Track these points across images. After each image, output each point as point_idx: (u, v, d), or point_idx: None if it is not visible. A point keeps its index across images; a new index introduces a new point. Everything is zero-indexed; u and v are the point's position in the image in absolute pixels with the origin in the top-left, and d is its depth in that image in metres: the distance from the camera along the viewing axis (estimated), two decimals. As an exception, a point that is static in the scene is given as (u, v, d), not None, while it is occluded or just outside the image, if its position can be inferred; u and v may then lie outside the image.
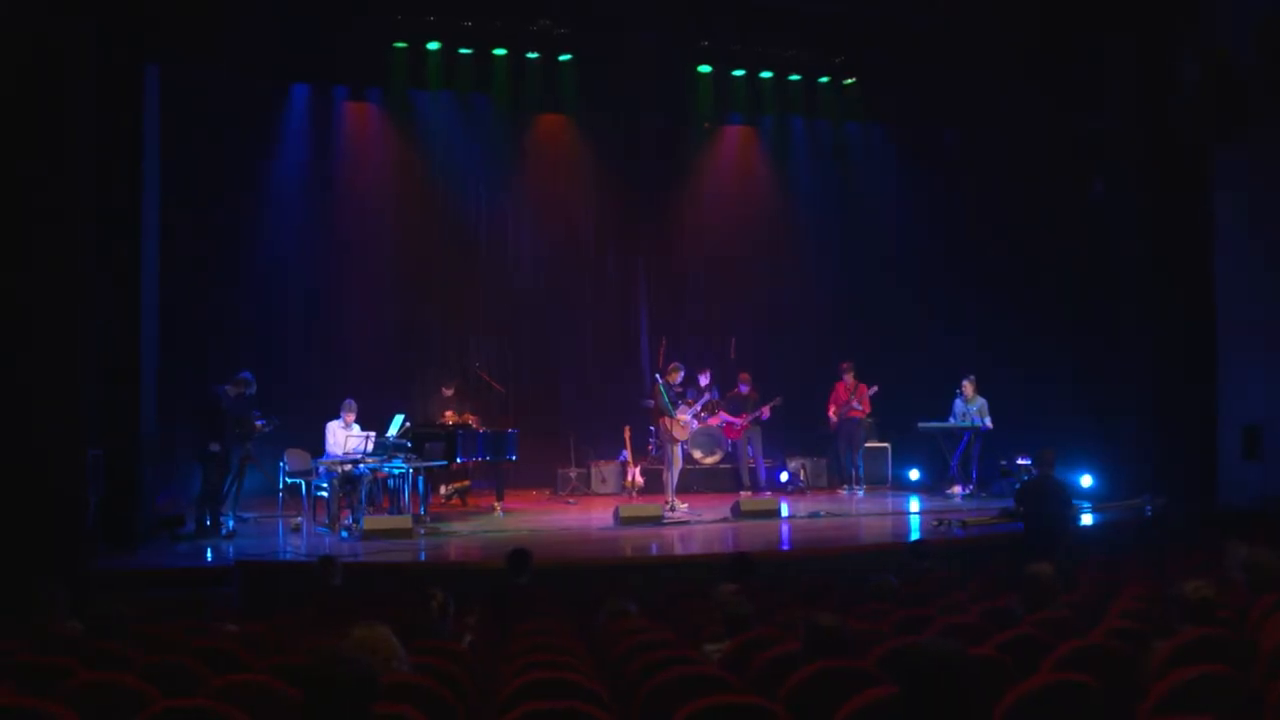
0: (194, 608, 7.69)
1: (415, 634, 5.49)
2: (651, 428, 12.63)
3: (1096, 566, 8.39)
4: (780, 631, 5.22)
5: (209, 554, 9.48)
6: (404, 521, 10.16)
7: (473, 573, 8.53)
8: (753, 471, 13.56)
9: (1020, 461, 12.45)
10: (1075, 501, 9.43)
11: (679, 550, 9.97)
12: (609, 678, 4.60)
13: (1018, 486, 10.20)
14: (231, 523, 10.16)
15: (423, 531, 10.36)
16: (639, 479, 13.12)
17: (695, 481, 13.49)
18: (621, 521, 10.81)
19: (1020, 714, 3.44)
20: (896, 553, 8.95)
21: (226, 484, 10.17)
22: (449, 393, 12.71)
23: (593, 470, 13.53)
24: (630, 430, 13.15)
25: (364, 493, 10.41)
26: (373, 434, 10.58)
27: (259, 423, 10.30)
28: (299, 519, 10.55)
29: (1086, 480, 12.70)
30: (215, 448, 9.97)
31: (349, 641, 3.99)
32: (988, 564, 8.87)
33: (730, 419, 13.54)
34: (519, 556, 7.61)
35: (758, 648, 4.76)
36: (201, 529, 9.96)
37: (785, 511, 11.69)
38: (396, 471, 10.64)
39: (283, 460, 11.23)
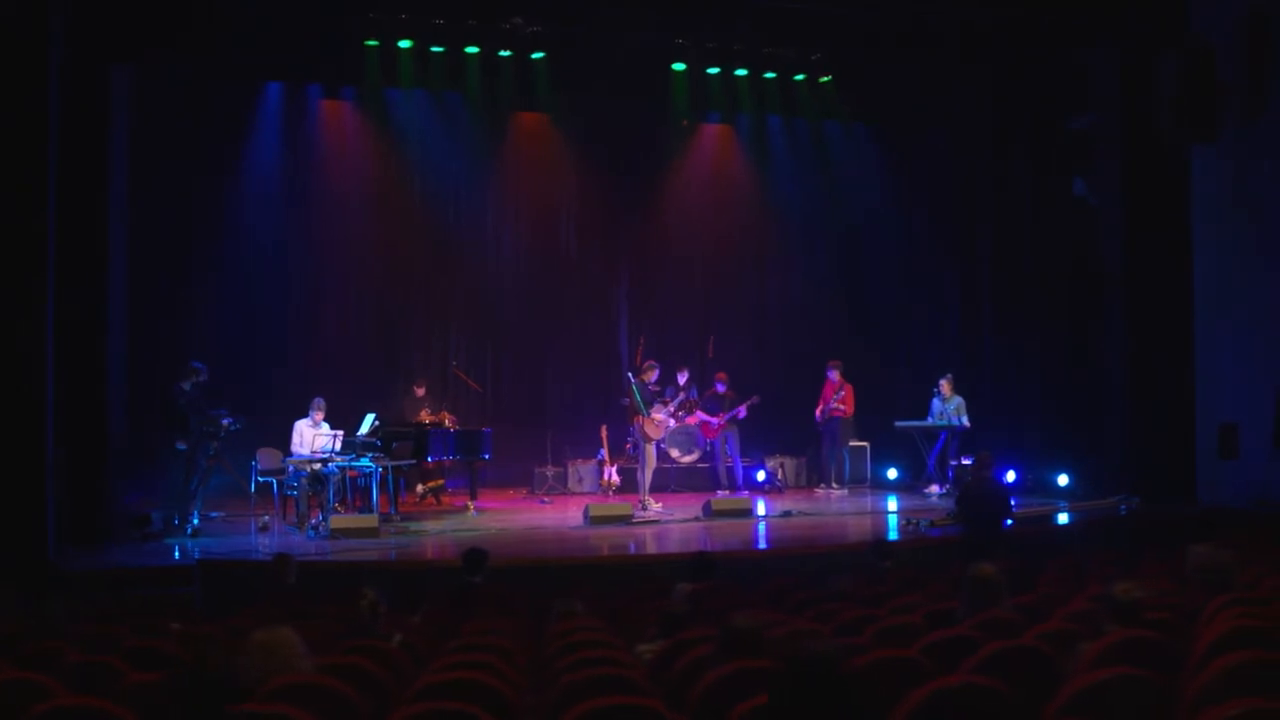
0: (153, 607, 7.69)
1: (350, 633, 5.49)
2: (630, 426, 12.60)
3: (1063, 567, 8.36)
4: (715, 633, 5.19)
5: (174, 553, 9.47)
6: (370, 521, 10.13)
7: (431, 571, 8.50)
8: (730, 471, 13.53)
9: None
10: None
11: (646, 549, 9.95)
12: (533, 678, 4.57)
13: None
14: (196, 521, 10.13)
15: (391, 531, 10.34)
16: (615, 478, 13.10)
17: (673, 480, 13.47)
18: (591, 520, 10.78)
19: (919, 717, 3.40)
20: (859, 553, 8.89)
21: (193, 483, 10.15)
22: (420, 392, 12.72)
23: (570, 469, 13.50)
24: (607, 429, 13.13)
25: (331, 492, 10.39)
26: (340, 433, 10.56)
27: (225, 421, 10.28)
28: (267, 518, 10.52)
29: (1064, 479, 12.67)
30: (181, 446, 9.95)
31: (250, 643, 3.96)
32: (954, 564, 8.82)
33: (707, 418, 13.51)
34: (474, 555, 7.58)
35: (686, 649, 4.73)
36: (169, 527, 9.94)
37: (757, 511, 11.65)
38: (367, 470, 10.62)
39: (255, 459, 11.26)
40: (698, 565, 7.71)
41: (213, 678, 2.92)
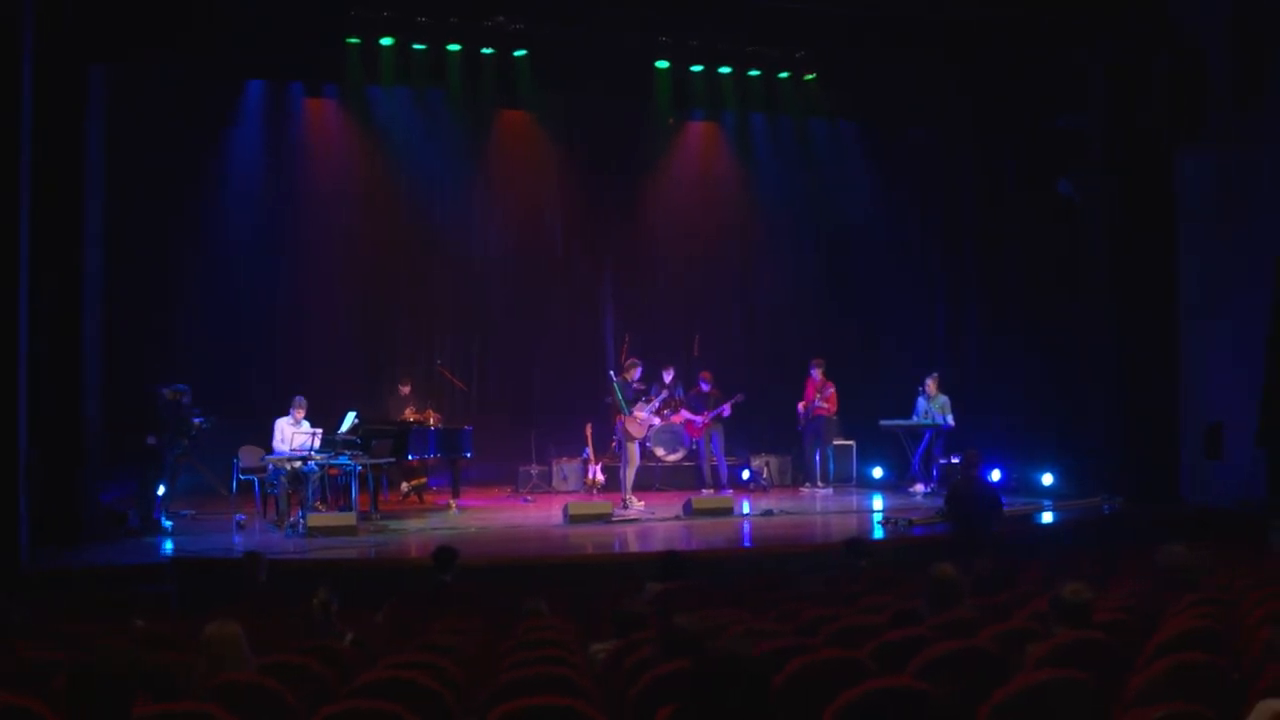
0: (125, 605, 7.69)
1: (304, 633, 5.48)
2: (614, 425, 12.57)
3: (1040, 566, 8.34)
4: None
5: (149, 551, 9.46)
6: (348, 519, 10.13)
7: (400, 570, 8.50)
8: (714, 469, 13.49)
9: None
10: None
11: (623, 548, 9.93)
12: (479, 678, 4.56)
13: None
14: (163, 518, 10.11)
15: (370, 529, 10.33)
16: (600, 476, 13.06)
17: (657, 479, 13.45)
18: (571, 519, 10.77)
19: (848, 717, 3.38)
20: (836, 551, 8.86)
21: (163, 480, 10.16)
22: (405, 390, 12.71)
23: (554, 467, 13.48)
24: (592, 427, 13.10)
25: (310, 490, 10.40)
26: (319, 431, 10.56)
27: (196, 420, 10.28)
28: (242, 516, 10.50)
29: (1048, 478, 12.65)
30: (151, 440, 9.96)
31: (197, 641, 3.96)
32: (931, 563, 8.79)
33: (692, 416, 13.48)
34: (444, 554, 7.58)
35: (636, 649, 4.72)
36: (146, 526, 9.94)
37: (739, 510, 11.62)
38: (347, 468, 10.61)
39: (237, 457, 11.27)
40: (668, 565, 7.70)
41: (115, 672, 2.89)
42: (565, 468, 13.50)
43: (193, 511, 10.97)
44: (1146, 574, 6.96)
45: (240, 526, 10.29)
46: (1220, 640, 4.65)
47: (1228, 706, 3.67)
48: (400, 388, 12.72)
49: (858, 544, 8.49)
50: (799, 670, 4.07)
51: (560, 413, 13.71)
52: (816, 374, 13.40)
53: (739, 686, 2.69)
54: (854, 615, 5.83)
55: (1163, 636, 4.59)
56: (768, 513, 11.48)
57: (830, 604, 6.48)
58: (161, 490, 10.19)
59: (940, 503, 11.69)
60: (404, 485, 12.60)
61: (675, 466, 13.79)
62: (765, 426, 14.13)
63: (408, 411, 12.34)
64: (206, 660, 3.95)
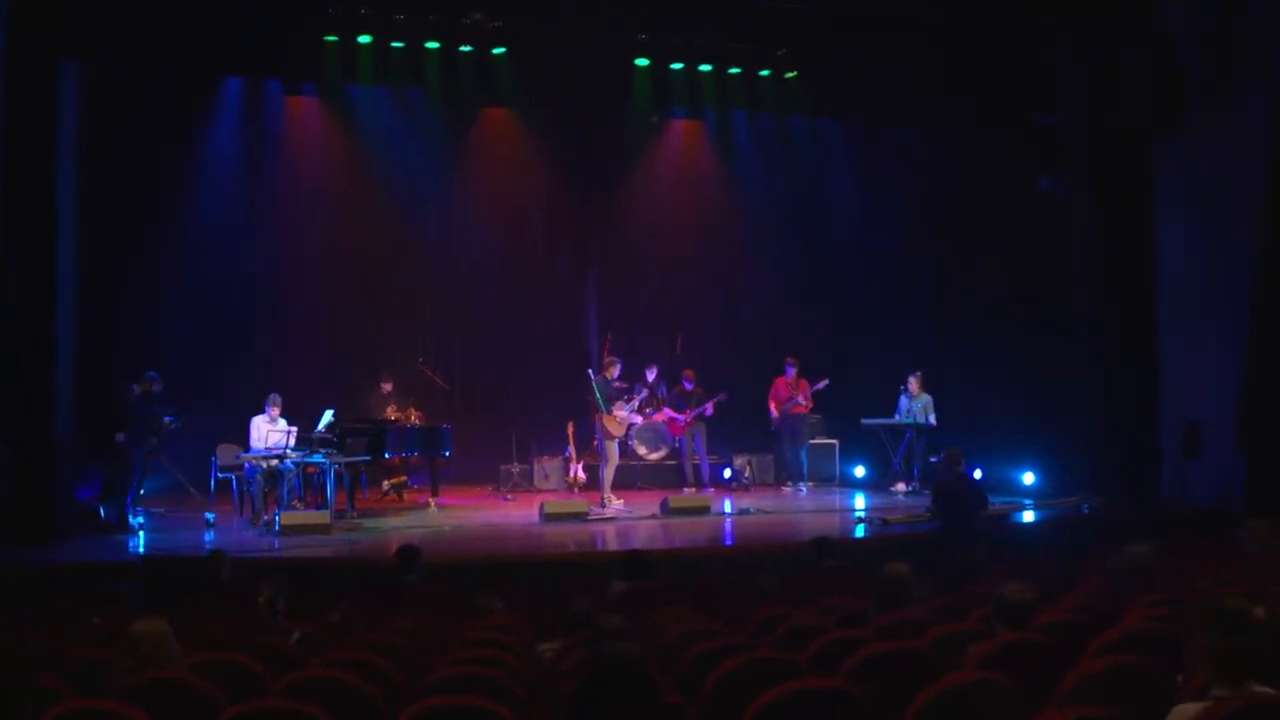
0: (91, 603, 7.68)
1: (250, 630, 5.47)
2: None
3: (1008, 566, 8.30)
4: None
5: (118, 549, 9.46)
6: (321, 517, 10.12)
7: (370, 569, 8.48)
8: (696, 468, 13.47)
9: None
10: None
11: (594, 547, 9.92)
12: (414, 677, 4.54)
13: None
14: (131, 518, 10.10)
15: (344, 527, 10.32)
16: (581, 475, 13.07)
17: (639, 477, 13.42)
18: (547, 518, 10.75)
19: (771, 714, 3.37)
20: (806, 550, 8.84)
21: (133, 478, 10.15)
22: (388, 388, 12.68)
23: (535, 466, 13.45)
24: (574, 426, 13.09)
25: (285, 488, 10.39)
26: (294, 429, 10.55)
27: (166, 419, 10.28)
28: (210, 514, 10.47)
29: (1029, 477, 12.61)
30: (120, 437, 9.96)
31: (126, 635, 3.95)
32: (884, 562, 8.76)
33: (674, 415, 13.46)
34: (407, 552, 7.57)
35: (577, 648, 4.70)
36: (116, 523, 9.93)
37: (716, 508, 11.60)
38: (324, 467, 10.60)
39: (214, 455, 11.26)
40: (633, 564, 7.69)
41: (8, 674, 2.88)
42: (547, 466, 13.47)
43: (162, 509, 10.96)
44: (1109, 574, 6.93)
45: (209, 524, 10.25)
46: (1164, 642, 4.62)
47: (1154, 710, 3.63)
48: (382, 386, 12.70)
49: (824, 543, 8.47)
50: (732, 670, 4.06)
51: (542, 411, 13.68)
52: (791, 371, 13.37)
53: (620, 687, 2.68)
54: (807, 615, 5.80)
55: (1108, 637, 4.56)
56: (744, 511, 11.45)
57: (786, 604, 6.46)
58: (130, 485, 10.17)
59: (922, 501, 11.71)
60: (385, 484, 12.59)
61: (657, 465, 13.75)
62: (747, 425, 14.08)
63: (390, 410, 12.31)
64: (133, 658, 3.93)
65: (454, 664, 4.22)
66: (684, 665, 4.55)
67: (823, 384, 13.31)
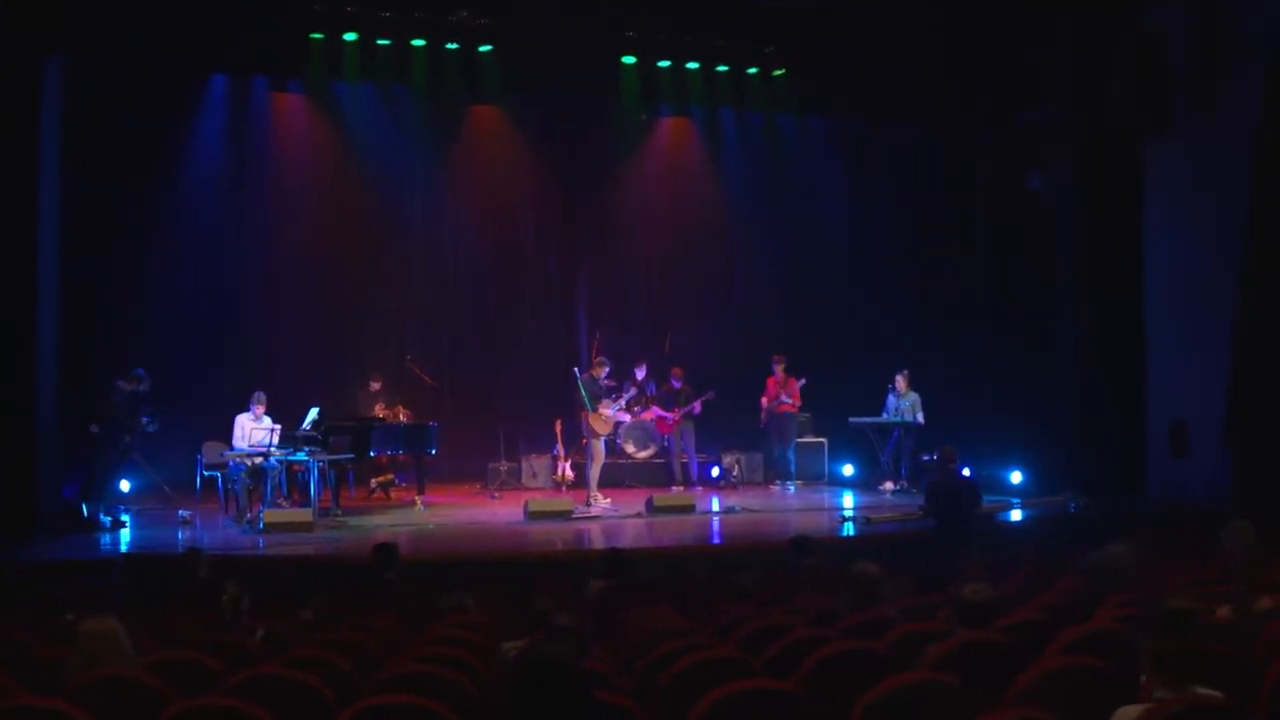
0: (69, 600, 7.68)
1: (214, 628, 5.47)
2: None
3: (988, 564, 8.28)
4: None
5: (99, 546, 9.46)
6: (304, 515, 10.11)
7: (349, 566, 8.47)
8: (685, 466, 13.46)
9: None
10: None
11: (578, 545, 9.90)
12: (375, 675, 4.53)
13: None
14: (102, 516, 10.09)
15: (328, 525, 10.31)
16: (569, 473, 13.06)
17: (628, 476, 13.41)
18: (531, 516, 10.74)
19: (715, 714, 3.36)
20: (782, 550, 8.82)
21: (110, 474, 10.16)
22: (376, 386, 12.68)
23: (524, 463, 13.44)
24: (562, 424, 13.08)
25: (268, 486, 10.39)
26: (278, 427, 10.54)
27: (143, 419, 10.28)
28: (187, 512, 10.45)
29: (1016, 476, 12.58)
30: (95, 429, 9.96)
31: (77, 633, 3.95)
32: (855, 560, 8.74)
33: (663, 413, 13.45)
34: (384, 550, 7.56)
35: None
36: (97, 520, 9.93)
37: (701, 507, 11.58)
38: (311, 464, 10.59)
39: (200, 453, 11.25)
40: (611, 562, 7.67)
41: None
42: (535, 464, 13.46)
43: (140, 507, 10.96)
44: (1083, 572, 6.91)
45: (184, 522, 10.21)
46: (1128, 643, 4.59)
47: (1104, 712, 3.61)
48: (370, 383, 12.69)
49: (804, 543, 8.43)
50: (683, 670, 4.05)
51: (530, 409, 13.66)
52: (778, 370, 13.35)
53: (549, 688, 2.67)
54: (776, 615, 5.79)
55: (1070, 638, 4.54)
56: (730, 510, 11.43)
57: (761, 603, 6.44)
58: (104, 482, 10.17)
59: (910, 500, 11.70)
60: (372, 482, 12.59)
61: (646, 463, 13.73)
62: (736, 424, 14.06)
63: (378, 407, 12.31)
64: (82, 656, 3.93)
65: (408, 663, 4.20)
66: (646, 665, 4.54)
67: (799, 384, 13.23)
